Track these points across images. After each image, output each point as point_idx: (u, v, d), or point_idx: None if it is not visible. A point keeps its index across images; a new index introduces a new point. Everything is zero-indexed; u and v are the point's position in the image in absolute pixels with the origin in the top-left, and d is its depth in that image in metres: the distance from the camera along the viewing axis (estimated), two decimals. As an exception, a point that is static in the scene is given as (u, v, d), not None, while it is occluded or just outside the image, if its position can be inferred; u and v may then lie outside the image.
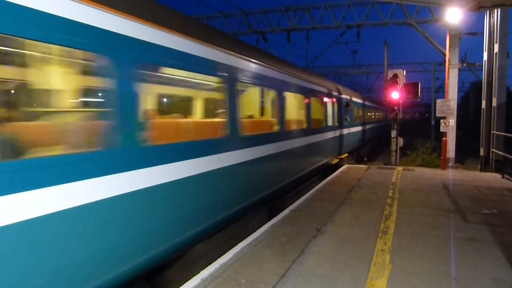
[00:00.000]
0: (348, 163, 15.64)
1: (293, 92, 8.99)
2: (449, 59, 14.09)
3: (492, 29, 12.56)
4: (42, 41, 2.98)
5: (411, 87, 15.20)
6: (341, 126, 14.43)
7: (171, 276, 4.92)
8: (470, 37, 17.42)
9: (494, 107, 12.45)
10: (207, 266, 4.68)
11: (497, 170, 12.09)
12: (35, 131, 3.68)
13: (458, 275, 4.34)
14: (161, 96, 6.06)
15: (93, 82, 3.97)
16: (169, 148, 4.40)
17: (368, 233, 5.90)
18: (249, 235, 5.87)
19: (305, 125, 9.83)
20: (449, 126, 13.74)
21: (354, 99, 17.66)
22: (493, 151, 12.35)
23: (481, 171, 12.81)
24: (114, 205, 3.53)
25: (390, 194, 8.75)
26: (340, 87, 15.42)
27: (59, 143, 3.55)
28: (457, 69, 14.26)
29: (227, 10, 21.58)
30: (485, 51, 12.95)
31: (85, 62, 3.73)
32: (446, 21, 14.03)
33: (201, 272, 4.47)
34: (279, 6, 20.94)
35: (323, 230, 6.03)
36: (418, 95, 15.48)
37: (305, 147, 9.74)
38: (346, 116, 15.62)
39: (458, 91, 15.05)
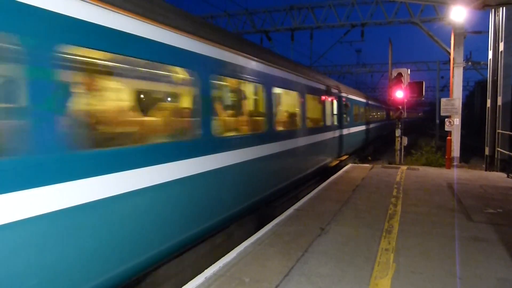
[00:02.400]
0: (352, 162, 15.61)
1: (314, 96, 10.59)
2: (454, 58, 14.02)
3: (497, 27, 12.48)
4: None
5: (415, 86, 15.14)
6: (341, 126, 13.99)
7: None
8: (475, 36, 17.32)
9: (500, 106, 12.37)
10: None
11: (502, 170, 12.02)
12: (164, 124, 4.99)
13: (462, 275, 4.33)
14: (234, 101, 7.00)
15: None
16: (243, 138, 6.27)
17: (372, 232, 5.89)
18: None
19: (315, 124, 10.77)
20: (454, 125, 13.67)
21: (355, 97, 17.41)
22: (498, 150, 12.28)
23: (486, 170, 12.74)
24: (210, 176, 5.17)
25: (394, 193, 8.73)
26: (343, 87, 15.32)
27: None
28: (462, 68, 14.18)
29: (231, 9, 21.54)
30: (490, 49, 12.87)
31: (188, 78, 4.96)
32: (451, 19, 13.96)
33: (205, 270, 4.48)
34: (283, 5, 20.93)
35: (327, 229, 6.03)
36: (422, 94, 15.43)
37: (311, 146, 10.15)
38: (347, 116, 15.23)
39: (463, 90, 14.98)
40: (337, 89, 13.59)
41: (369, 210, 7.27)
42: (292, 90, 8.96)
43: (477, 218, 6.64)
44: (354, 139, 17.05)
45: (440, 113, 14.55)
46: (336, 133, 13.30)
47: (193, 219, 4.89)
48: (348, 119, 15.51)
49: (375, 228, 6.07)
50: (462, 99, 15.49)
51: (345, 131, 14.75)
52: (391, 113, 22.25)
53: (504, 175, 11.40)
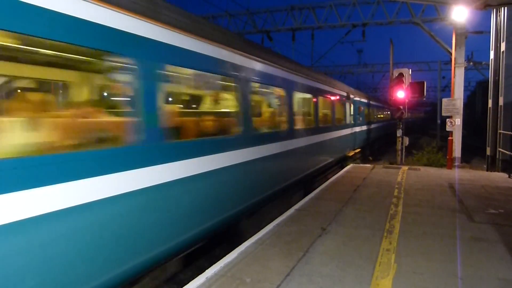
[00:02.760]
0: (353, 163, 15.60)
1: (340, 101, 14.07)
2: (455, 58, 14.01)
3: (498, 27, 12.45)
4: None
5: (416, 86, 15.13)
6: (355, 124, 16.90)
7: None
8: (476, 36, 17.29)
9: (501, 106, 12.35)
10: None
11: (503, 170, 11.99)
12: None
13: (464, 275, 4.32)
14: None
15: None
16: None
17: (373, 232, 5.88)
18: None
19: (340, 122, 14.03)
20: (455, 125, 13.65)
21: (364, 100, 19.79)
22: (499, 151, 12.26)
23: (487, 170, 12.72)
24: (245, 166, 6.09)
25: (395, 193, 8.72)
26: (356, 92, 18.25)
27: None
28: (463, 68, 14.17)
29: (232, 10, 21.52)
30: (492, 49, 12.85)
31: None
32: (452, 19, 13.94)
33: (206, 271, 4.48)
34: (284, 5, 20.93)
35: (328, 230, 6.02)
36: (424, 94, 15.41)
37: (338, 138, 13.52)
38: (359, 116, 18.04)
39: (464, 90, 14.91)
40: (353, 95, 16.38)
41: (370, 210, 7.26)
42: (327, 98, 12.26)
43: (478, 218, 6.63)
44: (365, 135, 19.67)
45: (441, 113, 14.54)
46: (352, 130, 16.24)
47: (270, 184, 7.27)
48: (360, 118, 18.37)
49: (376, 229, 6.07)
50: (464, 99, 15.47)
51: (358, 129, 17.53)
52: (393, 113, 23.68)
53: (505, 175, 11.38)
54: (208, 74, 5.45)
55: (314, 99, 10.54)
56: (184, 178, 4.52)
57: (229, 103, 6.08)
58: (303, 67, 10.15)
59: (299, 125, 8.99)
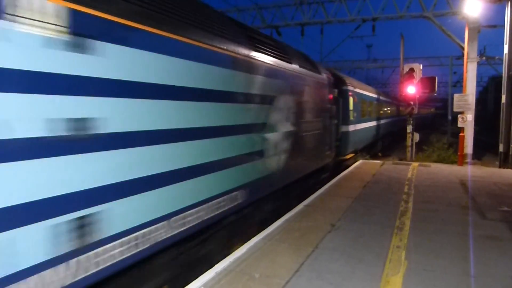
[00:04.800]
0: (362, 159, 15.50)
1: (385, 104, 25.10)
2: (467, 53, 13.77)
3: (513, 21, 12.20)
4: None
5: (427, 81, 14.91)
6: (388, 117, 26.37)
7: None
8: (489, 30, 16.96)
9: (514, 101, 12.13)
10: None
11: (516, 167, 11.81)
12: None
13: (476, 273, 4.26)
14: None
15: None
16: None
17: (383, 229, 5.83)
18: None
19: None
20: (467, 121, 13.45)
21: (385, 98, 25.87)
22: (512, 147, 12.06)
23: (500, 167, 12.53)
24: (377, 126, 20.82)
25: (405, 190, 8.63)
26: (384, 94, 26.37)
27: None
28: (475, 63, 13.92)
29: (241, 5, 21.45)
30: (506, 43, 12.60)
31: None
32: (464, 13, 13.70)
33: (215, 266, 4.48)
34: (293, 0, 20.75)
35: (337, 226, 5.99)
36: (435, 89, 15.19)
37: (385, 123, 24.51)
38: (387, 111, 26.56)
39: (476, 86, 14.67)
40: (383, 96, 23.86)
41: (380, 206, 7.20)
42: (384, 102, 23.16)
43: (490, 216, 6.53)
44: (391, 125, 27.79)
45: (452, 109, 14.32)
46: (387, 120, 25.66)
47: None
48: (388, 112, 27.09)
49: (386, 225, 6.01)
50: (476, 94, 15.22)
51: (390, 120, 26.94)
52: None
53: (518, 172, 11.21)
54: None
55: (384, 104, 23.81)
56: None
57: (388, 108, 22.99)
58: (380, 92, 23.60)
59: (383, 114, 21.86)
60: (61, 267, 2.70)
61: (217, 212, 4.75)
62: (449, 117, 31.36)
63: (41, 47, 2.57)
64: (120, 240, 3.21)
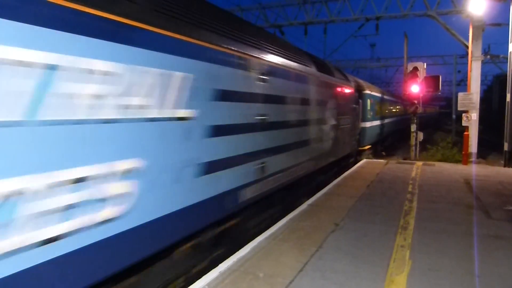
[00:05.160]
0: (366, 158, 15.46)
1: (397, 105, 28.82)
2: (471, 51, 13.70)
3: (518, 19, 12.12)
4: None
5: (431, 80, 14.86)
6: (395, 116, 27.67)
7: None
8: (494, 28, 16.85)
9: (519, 100, 12.06)
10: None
11: (521, 166, 11.74)
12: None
13: (481, 273, 4.23)
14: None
15: None
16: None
17: (387, 228, 5.81)
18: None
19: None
20: (471, 120, 13.39)
21: (394, 99, 28.68)
22: (517, 146, 11.99)
23: (505, 166, 12.46)
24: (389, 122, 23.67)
25: (409, 189, 8.60)
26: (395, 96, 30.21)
27: None
28: (480, 62, 13.85)
29: (244, 4, 21.41)
30: (511, 42, 12.53)
31: None
32: (469, 12, 13.62)
33: (219, 265, 4.49)
34: (296, -1, 20.71)
35: (341, 225, 5.97)
36: (439, 88, 15.13)
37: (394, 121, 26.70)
38: (397, 110, 29.04)
39: (481, 84, 14.60)
40: (393, 97, 26.90)
41: (384, 206, 7.18)
42: (393, 102, 26.20)
43: (496, 215, 6.50)
44: (400, 123, 29.61)
45: (457, 108, 14.26)
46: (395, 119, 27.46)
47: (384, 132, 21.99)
48: (397, 111, 28.90)
49: (390, 224, 5.99)
50: (480, 93, 15.14)
51: (397, 118, 28.46)
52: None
53: (523, 171, 11.14)
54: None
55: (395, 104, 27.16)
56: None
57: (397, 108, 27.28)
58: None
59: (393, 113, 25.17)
60: (257, 185, 5.72)
61: (308, 170, 8.37)
62: (454, 116, 31.21)
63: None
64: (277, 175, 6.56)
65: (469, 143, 13.34)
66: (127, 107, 3.23)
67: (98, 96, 2.95)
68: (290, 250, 4.96)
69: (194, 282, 4.08)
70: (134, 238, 3.35)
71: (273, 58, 6.43)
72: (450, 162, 13.84)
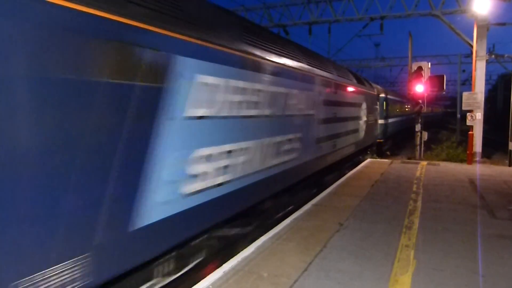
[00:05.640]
0: (370, 157, 15.45)
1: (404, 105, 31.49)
2: (476, 51, 13.66)
3: (523, 18, 12.07)
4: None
5: (436, 80, 14.81)
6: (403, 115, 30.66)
7: None
8: (498, 28, 16.77)
9: (524, 99, 12.00)
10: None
11: (527, 165, 11.69)
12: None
13: (486, 273, 4.23)
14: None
15: None
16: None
17: (392, 228, 5.81)
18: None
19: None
20: (476, 119, 13.35)
21: (404, 100, 30.80)
22: (522, 146, 11.93)
23: (509, 165, 12.42)
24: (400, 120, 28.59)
25: (414, 189, 8.59)
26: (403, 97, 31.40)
27: None
28: (484, 61, 13.82)
29: (249, 4, 21.44)
30: (515, 41, 12.48)
31: None
32: (473, 11, 13.58)
33: (223, 265, 4.51)
34: (300, -1, 20.69)
35: (345, 225, 5.98)
36: (443, 88, 15.09)
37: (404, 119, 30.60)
38: (405, 110, 31.68)
39: (485, 84, 14.55)
40: (402, 98, 29.67)
41: (388, 205, 7.18)
42: (403, 103, 30.00)
43: (500, 215, 6.48)
44: (408, 121, 31.53)
45: (461, 107, 14.22)
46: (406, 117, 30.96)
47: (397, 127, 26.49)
48: (405, 111, 31.57)
49: (394, 224, 6.00)
50: (485, 93, 15.08)
51: (406, 117, 31.44)
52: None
53: (528, 171, 11.09)
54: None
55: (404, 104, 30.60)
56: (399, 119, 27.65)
57: (406, 108, 31.15)
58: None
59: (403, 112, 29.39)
60: (334, 154, 9.85)
61: (353, 150, 12.13)
62: (458, 116, 31.09)
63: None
64: (341, 150, 10.63)
65: (474, 142, 13.30)
66: (301, 110, 7.18)
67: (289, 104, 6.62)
68: (295, 249, 4.98)
69: (198, 282, 4.11)
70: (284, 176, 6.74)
71: (341, 80, 10.35)
72: (455, 161, 13.80)
